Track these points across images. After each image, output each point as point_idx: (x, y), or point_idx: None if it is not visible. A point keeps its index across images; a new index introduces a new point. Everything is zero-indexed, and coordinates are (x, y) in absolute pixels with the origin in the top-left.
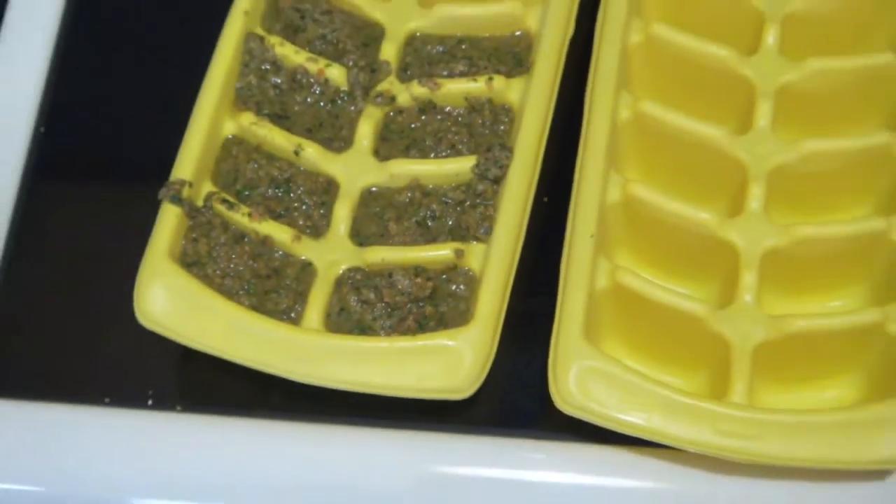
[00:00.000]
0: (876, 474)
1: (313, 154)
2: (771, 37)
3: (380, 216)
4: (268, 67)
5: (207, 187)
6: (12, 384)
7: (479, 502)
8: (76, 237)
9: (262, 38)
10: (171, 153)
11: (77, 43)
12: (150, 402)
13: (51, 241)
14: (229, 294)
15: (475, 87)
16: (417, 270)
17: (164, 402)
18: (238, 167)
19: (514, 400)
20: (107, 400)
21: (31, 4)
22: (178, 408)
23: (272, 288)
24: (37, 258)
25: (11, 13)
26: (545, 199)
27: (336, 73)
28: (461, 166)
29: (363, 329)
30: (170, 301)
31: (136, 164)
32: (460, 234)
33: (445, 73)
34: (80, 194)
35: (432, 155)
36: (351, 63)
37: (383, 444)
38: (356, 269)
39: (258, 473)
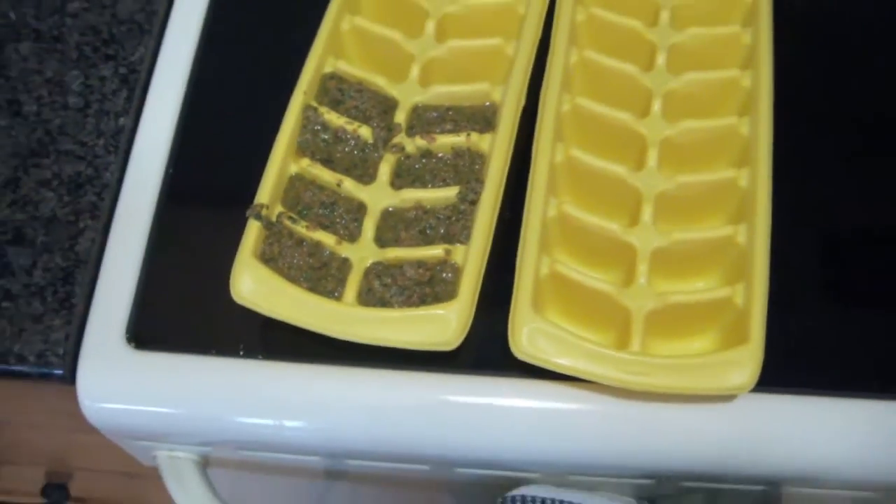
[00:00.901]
0: (726, 397)
1: (349, 186)
2: (657, 106)
3: (394, 227)
4: (319, 128)
5: (278, 208)
6: (154, 341)
7: (462, 420)
8: (191, 243)
9: (315, 108)
10: (253, 186)
11: (194, 110)
12: (241, 353)
13: (175, 246)
14: (293, 280)
15: (458, 140)
16: (419, 263)
17: (251, 352)
18: (299, 195)
19: (486, 350)
20: (213, 352)
21: (165, 84)
22: (260, 357)
23: (322, 276)
24: (167, 258)
25: (152, 91)
26: (507, 215)
27: (365, 132)
28: (449, 193)
29: (383, 303)
30: (253, 285)
31: (231, 194)
32: (448, 239)
33: (438, 130)
34: (194, 214)
35: (430, 186)
36: (375, 125)
37: (397, 380)
38: (378, 263)
39: (313, 399)
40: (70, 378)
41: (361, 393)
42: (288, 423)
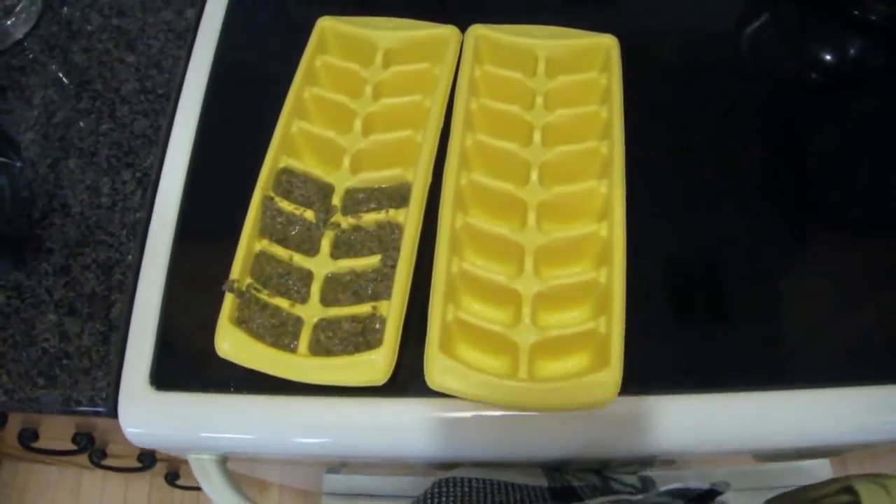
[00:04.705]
0: (595, 410)
1: (299, 259)
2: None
3: (334, 289)
4: (275, 214)
5: (247, 280)
6: (170, 384)
7: (391, 428)
8: (190, 311)
9: (272, 198)
10: (229, 260)
11: (189, 203)
12: (231, 390)
13: (180, 314)
14: (260, 337)
15: (381, 216)
16: (353, 318)
17: (238, 389)
18: (262, 267)
19: (407, 382)
20: (211, 389)
21: (168, 186)
22: (245, 392)
23: (282, 332)
24: (174, 324)
25: (160, 191)
26: (424, 271)
27: (309, 214)
28: (374, 261)
29: (328, 351)
30: (231, 343)
31: (215, 270)
32: (375, 296)
33: (365, 209)
34: (190, 288)
35: (360, 255)
36: (316, 208)
37: (343, 406)
38: (323, 319)
39: (284, 419)
40: (114, 413)
41: (318, 416)
42: (266, 437)
